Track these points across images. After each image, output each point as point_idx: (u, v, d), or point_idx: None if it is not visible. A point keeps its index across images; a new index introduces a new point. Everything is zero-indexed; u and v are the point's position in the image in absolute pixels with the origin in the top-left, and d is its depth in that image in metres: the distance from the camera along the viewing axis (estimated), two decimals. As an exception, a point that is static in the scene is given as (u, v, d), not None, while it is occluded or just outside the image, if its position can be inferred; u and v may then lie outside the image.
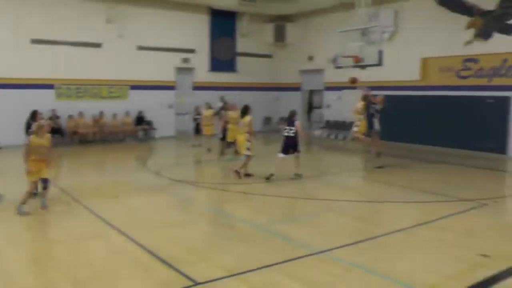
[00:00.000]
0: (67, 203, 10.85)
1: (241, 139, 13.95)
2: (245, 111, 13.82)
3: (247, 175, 13.74)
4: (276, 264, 7.01)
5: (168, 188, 12.88)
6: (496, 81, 18.56)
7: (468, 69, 19.45)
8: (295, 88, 28.19)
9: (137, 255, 7.50)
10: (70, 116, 21.67)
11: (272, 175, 13.27)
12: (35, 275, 6.86)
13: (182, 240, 8.26)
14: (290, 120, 13.74)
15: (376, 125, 16.04)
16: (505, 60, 18.27)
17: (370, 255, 7.47)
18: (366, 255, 7.47)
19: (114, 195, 11.77)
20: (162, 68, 24.39)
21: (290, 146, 13.51)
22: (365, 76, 21.58)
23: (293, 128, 13.47)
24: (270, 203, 11.24)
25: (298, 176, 13.69)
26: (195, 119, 21.66)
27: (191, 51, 25.46)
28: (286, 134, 13.57)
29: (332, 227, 9.14)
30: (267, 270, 6.81)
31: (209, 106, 19.91)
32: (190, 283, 6.34)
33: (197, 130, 21.06)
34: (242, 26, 27.13)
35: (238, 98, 24.99)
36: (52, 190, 10.81)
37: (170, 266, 6.94)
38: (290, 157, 13.59)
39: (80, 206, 10.61)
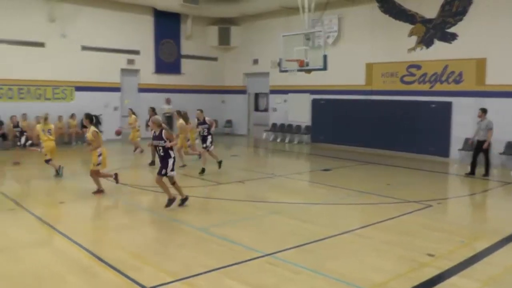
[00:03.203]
0: (11, 209, 10.57)
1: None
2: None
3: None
4: (224, 267, 6.95)
5: (113, 192, 12.53)
6: (438, 87, 19.05)
7: (412, 74, 19.89)
8: (241, 91, 28.22)
9: (83, 260, 7.37)
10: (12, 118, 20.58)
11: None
12: None
13: (127, 245, 8.12)
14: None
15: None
16: (446, 67, 18.78)
17: (317, 257, 7.50)
18: (314, 257, 7.49)
19: (60, 200, 11.45)
20: (107, 69, 23.81)
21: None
22: (311, 80, 21.84)
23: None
24: (215, 206, 11.22)
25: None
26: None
27: (136, 52, 25.07)
28: None
29: (279, 229, 9.14)
30: (215, 274, 6.74)
31: (133, 112, 19.21)
32: (138, 288, 6.26)
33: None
34: (186, 28, 26.93)
35: (183, 101, 25.07)
36: None
37: (117, 271, 6.82)
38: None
39: (24, 211, 10.32)
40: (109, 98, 23.92)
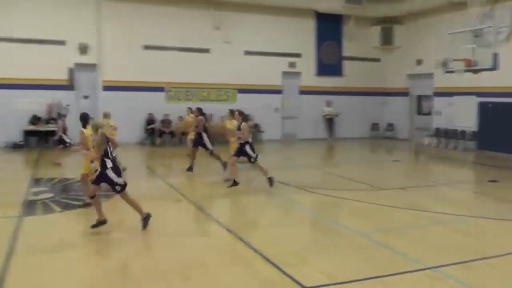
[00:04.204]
0: (177, 200, 11.54)
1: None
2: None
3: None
4: (382, 276, 6.75)
5: (273, 190, 12.87)
6: None
7: None
8: (403, 93, 27.32)
9: (242, 252, 7.77)
10: (180, 118, 22.46)
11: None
12: (146, 265, 7.22)
13: (285, 242, 8.32)
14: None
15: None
16: None
17: (482, 276, 6.96)
18: (478, 276, 6.97)
19: (222, 194, 12.11)
20: (269, 72, 24.75)
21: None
22: (478, 81, 20.50)
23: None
24: (374, 212, 10.91)
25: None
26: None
27: (298, 55, 25.56)
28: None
29: (441, 242, 8.65)
30: (373, 282, 6.58)
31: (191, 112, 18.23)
32: (296, 286, 6.34)
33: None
34: (348, 29, 26.79)
35: (344, 103, 25.09)
36: (162, 187, 12.16)
37: (275, 266, 7.02)
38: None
39: (188, 203, 11.16)
40: (270, 100, 24.65)
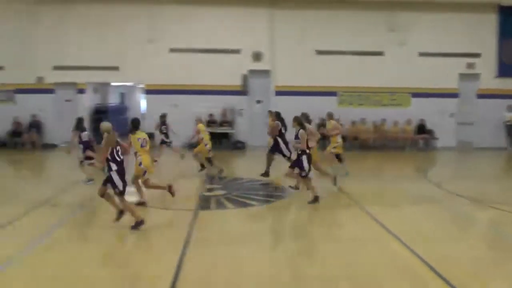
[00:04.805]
0: (346, 206, 11.70)
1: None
2: None
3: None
4: None
5: (446, 201, 12.43)
6: None
7: None
8: None
9: (414, 265, 7.50)
10: (352, 122, 22.69)
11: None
12: (315, 268, 7.40)
13: (460, 259, 7.85)
14: None
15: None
16: None
17: None
18: None
19: (392, 203, 12.01)
20: (444, 74, 23.38)
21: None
22: None
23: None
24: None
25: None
26: None
27: (476, 55, 23.84)
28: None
29: None
30: None
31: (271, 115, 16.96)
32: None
33: None
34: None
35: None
36: (332, 191, 12.40)
37: (450, 285, 6.59)
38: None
39: (358, 209, 11.16)
40: (445, 104, 23.50)
